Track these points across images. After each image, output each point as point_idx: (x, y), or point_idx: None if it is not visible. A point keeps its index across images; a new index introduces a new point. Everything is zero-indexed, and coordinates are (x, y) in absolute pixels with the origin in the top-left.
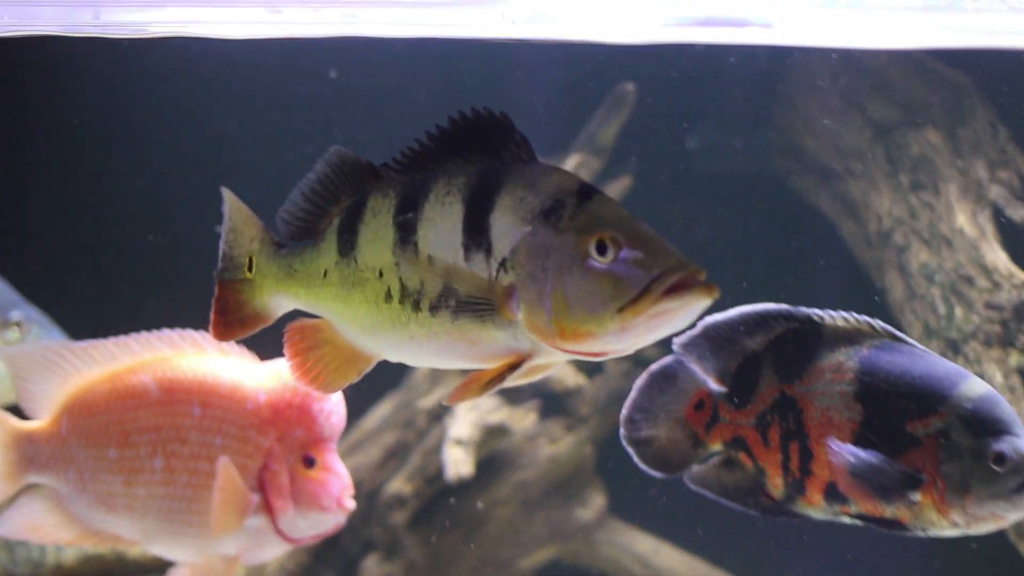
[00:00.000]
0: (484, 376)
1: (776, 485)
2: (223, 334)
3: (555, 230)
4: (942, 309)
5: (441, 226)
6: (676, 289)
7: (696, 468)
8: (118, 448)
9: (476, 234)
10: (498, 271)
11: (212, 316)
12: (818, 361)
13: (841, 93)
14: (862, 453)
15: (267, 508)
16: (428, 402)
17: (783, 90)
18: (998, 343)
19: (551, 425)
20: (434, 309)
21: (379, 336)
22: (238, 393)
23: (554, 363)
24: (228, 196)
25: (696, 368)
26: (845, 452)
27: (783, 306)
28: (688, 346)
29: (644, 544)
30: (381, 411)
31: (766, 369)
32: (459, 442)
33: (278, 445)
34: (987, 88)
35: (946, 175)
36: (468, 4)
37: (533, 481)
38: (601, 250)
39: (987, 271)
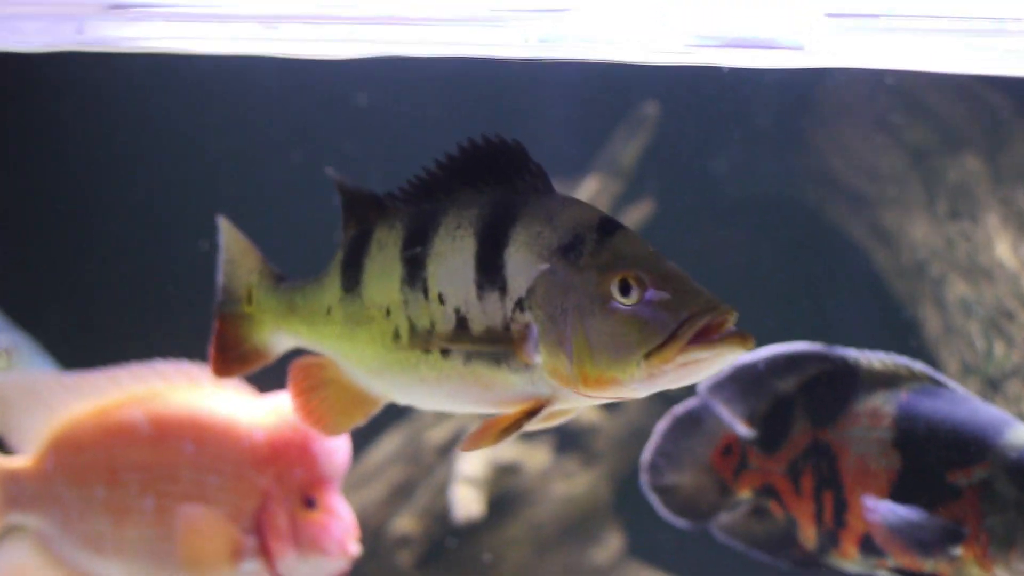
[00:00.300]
0: (501, 423)
1: (808, 536)
2: (222, 371)
3: (575, 268)
4: (981, 345)
5: (452, 262)
6: (707, 335)
7: (724, 517)
8: (106, 487)
9: (490, 271)
10: (514, 311)
11: (211, 352)
12: (854, 405)
13: (876, 116)
14: (900, 510)
15: (264, 552)
16: (436, 436)
17: (815, 112)
18: None
19: (566, 462)
20: (445, 351)
21: (387, 378)
22: (234, 429)
23: (575, 408)
24: (224, 225)
25: (723, 411)
26: (882, 511)
27: (816, 345)
28: (714, 388)
29: None
30: (386, 445)
31: (798, 413)
32: (469, 480)
33: (276, 485)
34: None
35: (986, 203)
36: (482, 21)
37: (547, 521)
38: (624, 290)
39: None
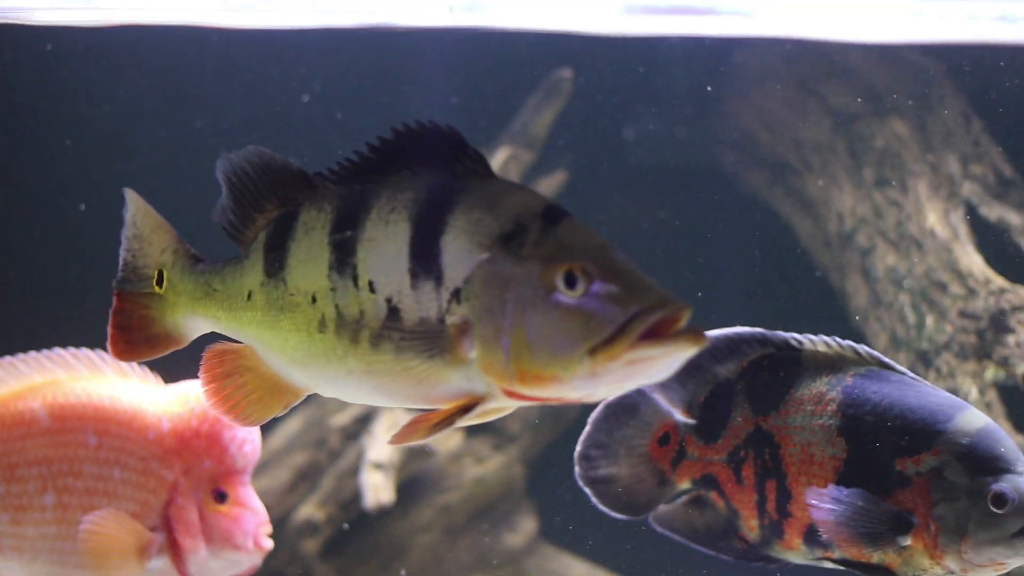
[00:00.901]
0: (432, 418)
1: (751, 527)
2: (125, 353)
3: (516, 258)
4: (911, 318)
5: (384, 248)
6: (657, 333)
7: (662, 508)
8: (3, 483)
9: (425, 259)
10: (449, 302)
11: (110, 331)
12: (797, 391)
13: (797, 81)
14: (846, 497)
15: (174, 548)
16: (341, 420)
17: (733, 79)
18: (973, 355)
19: (478, 444)
20: (375, 342)
21: (311, 369)
22: (139, 420)
23: (510, 407)
24: (132, 199)
25: (659, 399)
26: (827, 502)
27: (756, 329)
28: None
29: (578, 571)
30: (289, 429)
31: (739, 399)
32: (378, 466)
33: (184, 478)
34: (957, 75)
35: (915, 170)
36: None
37: (457, 505)
38: (570, 282)
39: (961, 276)
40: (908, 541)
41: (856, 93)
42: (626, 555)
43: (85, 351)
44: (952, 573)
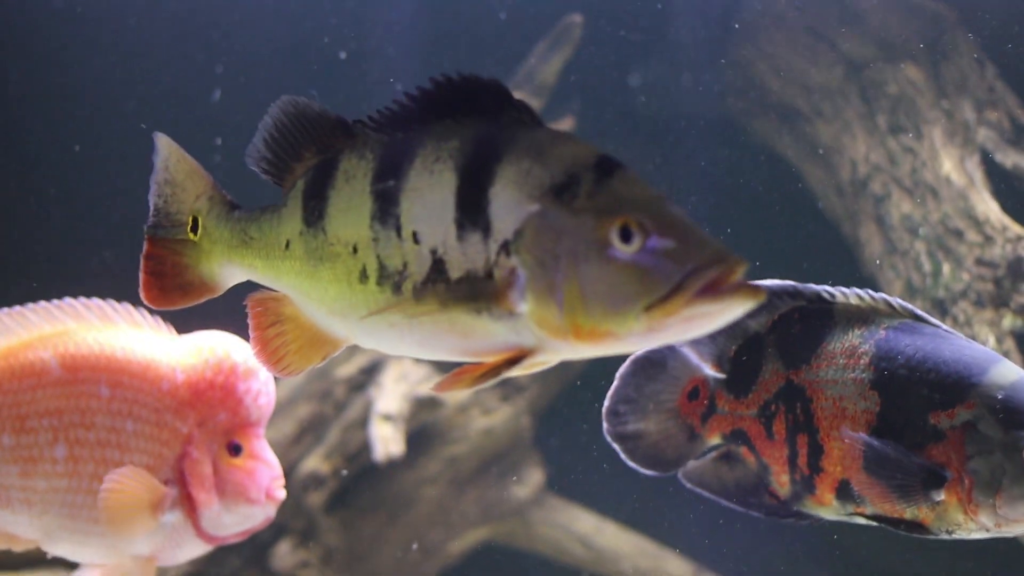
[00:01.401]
0: (477, 369)
1: (782, 483)
2: (158, 299)
3: (569, 211)
4: (927, 266)
5: (429, 198)
6: (714, 288)
7: (692, 464)
8: (13, 434)
9: (472, 210)
10: (498, 254)
11: (143, 277)
12: (829, 344)
13: (808, 27)
14: (879, 445)
15: (187, 502)
16: (346, 371)
17: (740, 25)
18: (990, 303)
19: (485, 395)
20: (419, 294)
21: (351, 320)
22: (152, 371)
23: (558, 359)
24: (164, 143)
25: (689, 352)
26: (860, 442)
27: (788, 282)
28: None
29: (586, 523)
30: (293, 380)
31: (769, 353)
32: (387, 417)
33: (198, 431)
34: (971, 20)
35: (929, 117)
36: None
37: (465, 456)
38: (625, 237)
39: (977, 223)
40: (941, 496)
41: (868, 39)
42: (633, 506)
43: (96, 301)
44: (986, 529)
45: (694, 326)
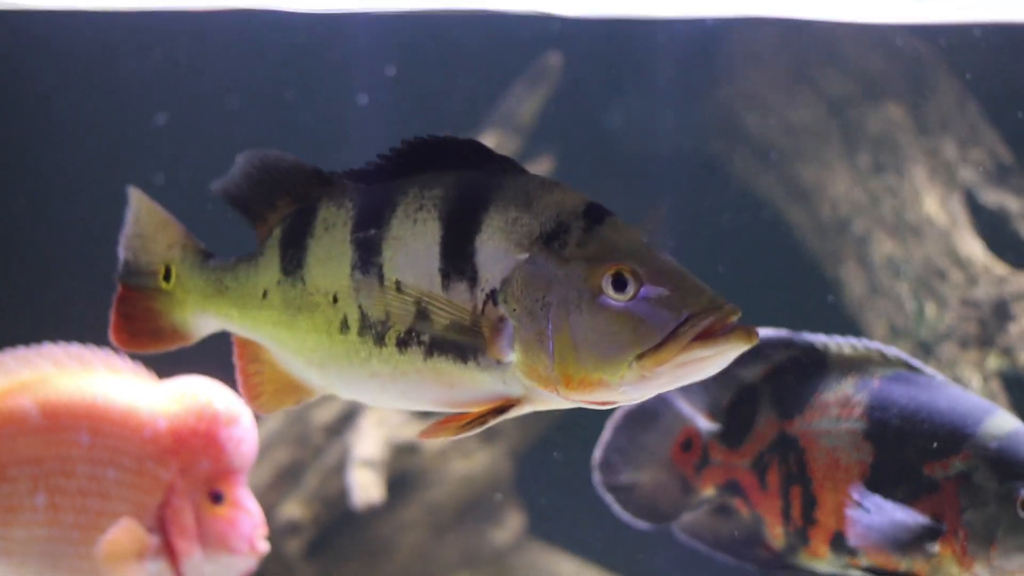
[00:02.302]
0: (464, 417)
1: (776, 535)
2: (128, 342)
3: (560, 259)
4: (910, 307)
5: (412, 247)
6: (708, 333)
7: (686, 517)
8: None
9: (458, 259)
10: (485, 303)
11: (113, 318)
12: (822, 394)
13: (788, 66)
14: (888, 506)
15: (168, 552)
16: (323, 415)
17: (720, 64)
18: (975, 344)
19: (465, 439)
20: (402, 344)
21: (330, 371)
22: (134, 418)
23: (544, 408)
24: (136, 197)
25: (682, 404)
26: (867, 505)
27: (781, 331)
28: None
29: (567, 568)
30: (270, 424)
31: (763, 403)
32: (366, 463)
33: (180, 478)
34: (953, 58)
35: (911, 156)
36: None
37: (444, 501)
38: (618, 285)
39: (961, 263)
40: (936, 548)
41: (849, 78)
42: (615, 552)
43: (75, 346)
44: None
45: (686, 373)
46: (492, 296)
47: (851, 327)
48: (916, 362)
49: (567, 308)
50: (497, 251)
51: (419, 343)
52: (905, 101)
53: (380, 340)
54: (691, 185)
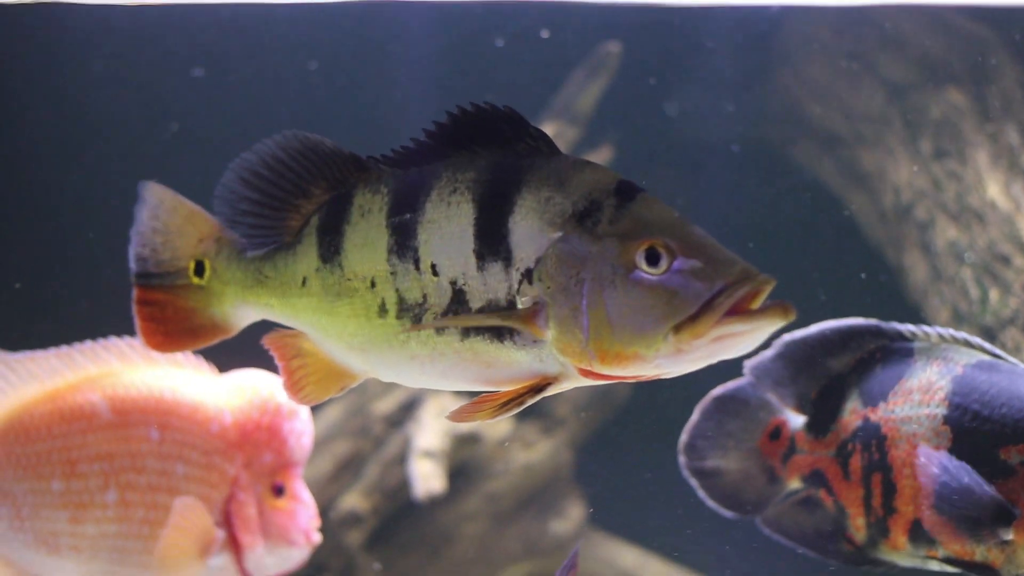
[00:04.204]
0: (499, 397)
1: (858, 527)
2: (163, 344)
3: (592, 236)
4: (974, 292)
5: (447, 230)
6: (741, 307)
7: (770, 510)
8: (63, 479)
9: (492, 240)
10: (520, 283)
11: (139, 323)
12: (907, 382)
13: (848, 51)
14: (954, 467)
15: (233, 545)
16: (384, 407)
17: (780, 50)
18: None
19: (525, 429)
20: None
21: (371, 354)
22: (201, 413)
23: (581, 385)
24: (155, 192)
25: (771, 395)
26: (934, 463)
27: (871, 321)
28: (761, 370)
29: (628, 558)
30: (330, 416)
31: (850, 392)
32: (428, 454)
33: (245, 472)
34: (1015, 42)
35: (973, 141)
36: None
37: (505, 492)
38: (652, 260)
39: None
40: (1010, 535)
41: (909, 63)
42: (677, 541)
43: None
44: None
45: (724, 346)
46: (527, 275)
47: (916, 313)
48: (1001, 352)
49: (601, 284)
50: (531, 231)
51: (457, 322)
52: (967, 86)
53: (417, 322)
54: (752, 173)
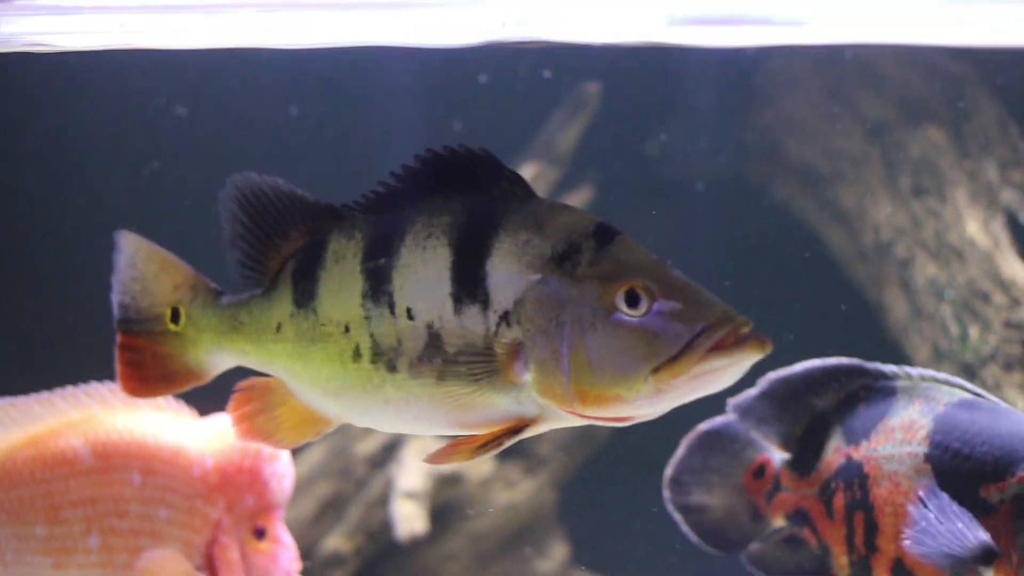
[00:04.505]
0: (477, 440)
1: (841, 566)
2: (138, 389)
3: (572, 278)
4: (954, 329)
5: (423, 274)
6: (722, 345)
7: (754, 547)
8: (47, 525)
9: (469, 283)
10: (498, 325)
11: (119, 368)
12: (889, 420)
13: (827, 90)
14: (945, 504)
15: None
16: (366, 448)
17: (759, 89)
18: (1019, 366)
19: (508, 468)
20: (415, 370)
21: (345, 400)
22: (182, 457)
23: (560, 425)
24: (131, 241)
25: (755, 433)
26: (927, 509)
27: (854, 360)
28: (746, 407)
29: None
30: (312, 458)
31: (834, 431)
32: (410, 495)
33: (227, 515)
34: (993, 80)
35: (952, 178)
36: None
37: (488, 532)
38: (632, 301)
39: (1004, 286)
40: (991, 574)
41: (889, 101)
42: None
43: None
44: None
45: (702, 384)
46: (505, 318)
47: (896, 350)
48: (982, 391)
49: (582, 326)
50: (509, 273)
51: (432, 368)
52: (945, 124)
53: (392, 367)
54: (732, 211)
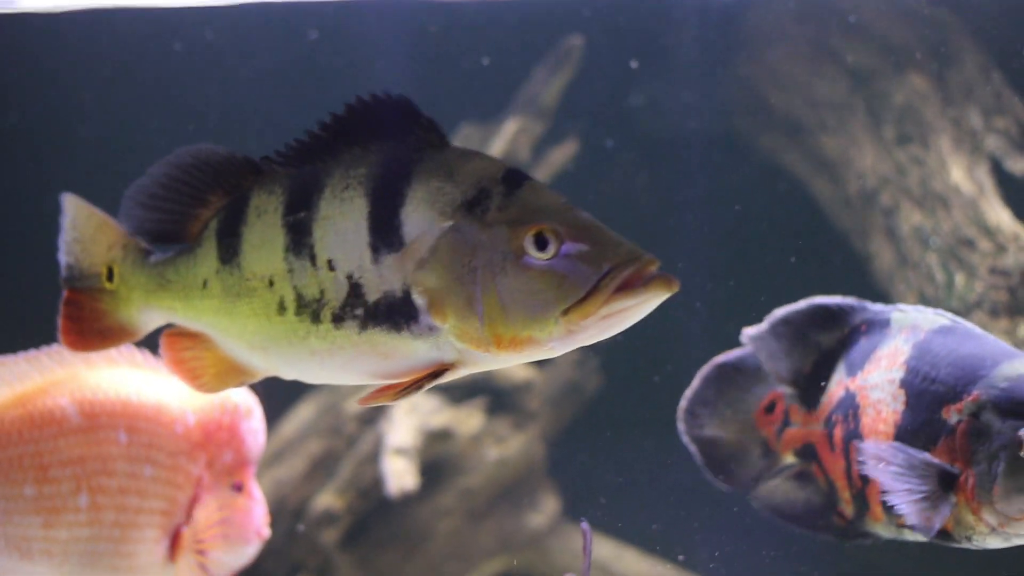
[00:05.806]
0: (400, 385)
1: (847, 500)
2: (76, 343)
3: (482, 224)
4: (940, 277)
5: (341, 225)
6: (630, 284)
7: (762, 486)
8: (36, 484)
9: (385, 232)
10: (414, 274)
11: (61, 323)
12: (879, 350)
13: (810, 39)
14: (886, 452)
15: (198, 545)
16: (356, 405)
17: (741, 40)
18: (1005, 312)
19: (498, 424)
20: (337, 320)
21: (271, 352)
22: (165, 414)
23: (479, 369)
24: (72, 203)
25: (768, 367)
26: (863, 450)
27: (856, 300)
28: (758, 342)
29: (604, 549)
30: (301, 415)
31: (837, 366)
32: (400, 451)
33: (207, 472)
34: (976, 26)
35: (936, 126)
36: None
37: (479, 487)
38: (540, 245)
39: (989, 232)
40: (954, 497)
41: (872, 49)
42: (652, 532)
43: None
44: (993, 528)
45: (612, 323)
46: (421, 265)
47: (882, 299)
48: (967, 323)
49: (493, 271)
50: (423, 221)
51: (354, 317)
52: (929, 71)
53: (316, 318)
54: (716, 163)
